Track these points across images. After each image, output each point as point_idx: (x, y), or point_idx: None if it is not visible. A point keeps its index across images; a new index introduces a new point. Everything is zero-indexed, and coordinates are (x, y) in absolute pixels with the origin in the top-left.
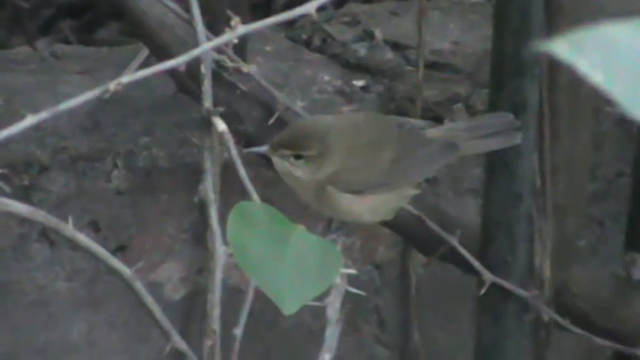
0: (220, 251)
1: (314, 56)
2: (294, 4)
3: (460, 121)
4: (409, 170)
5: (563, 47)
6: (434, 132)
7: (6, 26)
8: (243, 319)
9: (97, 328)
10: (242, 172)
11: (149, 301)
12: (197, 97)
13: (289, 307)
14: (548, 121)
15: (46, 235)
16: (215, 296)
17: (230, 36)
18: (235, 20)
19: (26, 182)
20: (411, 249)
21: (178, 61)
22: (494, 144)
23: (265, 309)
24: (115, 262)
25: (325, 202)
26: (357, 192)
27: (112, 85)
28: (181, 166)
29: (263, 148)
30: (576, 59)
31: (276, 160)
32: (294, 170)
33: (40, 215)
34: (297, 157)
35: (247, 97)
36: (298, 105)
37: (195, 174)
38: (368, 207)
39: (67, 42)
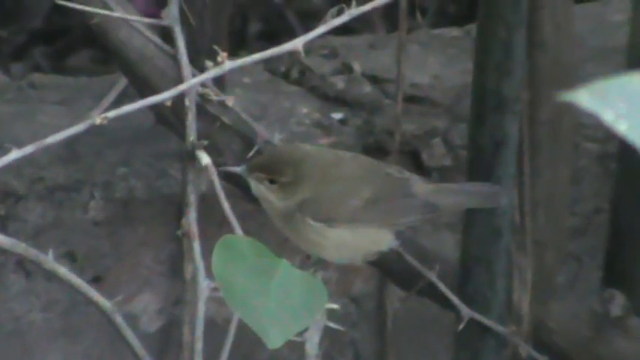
0: (203, 285)
1: (292, 88)
2: (267, 33)
3: (447, 184)
4: (384, 215)
5: (586, 97)
6: (419, 187)
7: None
8: (225, 354)
9: None
10: (225, 205)
11: (129, 334)
12: (176, 129)
13: (274, 341)
14: (528, 156)
15: (23, 265)
16: (198, 330)
17: (217, 71)
18: (222, 56)
19: (2, 212)
20: (389, 283)
21: (165, 96)
22: (476, 204)
23: (242, 342)
24: (96, 295)
25: (294, 230)
26: (325, 222)
27: (98, 119)
28: (159, 198)
29: (239, 169)
30: (601, 109)
31: (252, 183)
32: (268, 195)
33: (20, 247)
34: (272, 181)
35: (227, 129)
36: (277, 137)
37: (173, 205)
38: (334, 241)
39: (39, 68)
